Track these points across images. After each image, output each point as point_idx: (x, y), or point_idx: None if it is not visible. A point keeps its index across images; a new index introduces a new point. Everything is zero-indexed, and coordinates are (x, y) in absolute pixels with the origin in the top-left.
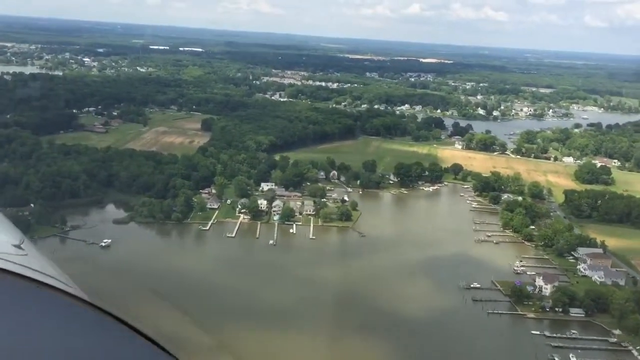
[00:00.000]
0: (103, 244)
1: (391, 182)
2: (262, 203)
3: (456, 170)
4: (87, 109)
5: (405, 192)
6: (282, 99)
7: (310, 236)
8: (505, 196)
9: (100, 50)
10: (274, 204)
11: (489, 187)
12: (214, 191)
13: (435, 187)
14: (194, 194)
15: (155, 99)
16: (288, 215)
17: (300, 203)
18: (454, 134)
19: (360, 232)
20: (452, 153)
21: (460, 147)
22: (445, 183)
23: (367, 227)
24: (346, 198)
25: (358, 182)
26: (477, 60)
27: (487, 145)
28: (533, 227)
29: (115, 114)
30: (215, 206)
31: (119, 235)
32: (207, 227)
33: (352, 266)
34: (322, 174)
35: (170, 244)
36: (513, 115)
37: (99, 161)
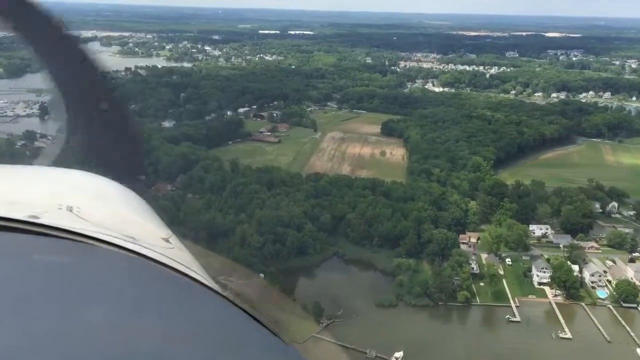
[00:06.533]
0: None
1: None
2: (575, 269)
3: None
4: (240, 109)
5: None
6: (436, 89)
7: None
8: None
9: (216, 37)
10: (592, 270)
11: None
12: (472, 240)
13: None
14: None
15: (307, 95)
16: (628, 293)
17: (610, 262)
18: None
19: None
20: None
21: None
22: None
23: None
24: None
25: None
26: (599, 32)
27: None
28: None
29: (275, 115)
30: (500, 270)
31: (402, 336)
32: (517, 316)
33: None
34: (597, 206)
35: None
36: None
37: (312, 196)
